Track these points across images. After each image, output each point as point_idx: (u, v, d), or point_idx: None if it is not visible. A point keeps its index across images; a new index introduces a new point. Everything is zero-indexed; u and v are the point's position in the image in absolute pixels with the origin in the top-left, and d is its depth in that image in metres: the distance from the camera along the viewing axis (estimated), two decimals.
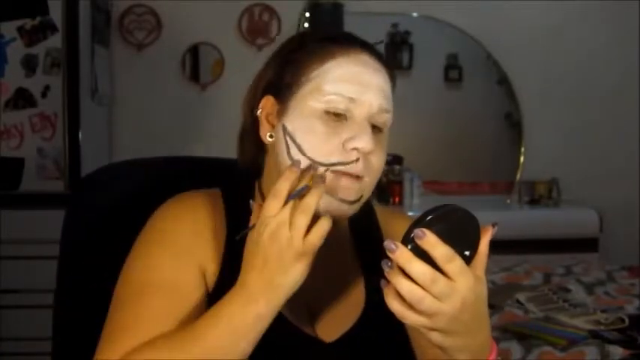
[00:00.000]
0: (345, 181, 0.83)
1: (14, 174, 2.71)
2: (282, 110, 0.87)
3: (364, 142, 0.82)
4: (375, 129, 0.85)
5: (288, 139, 0.85)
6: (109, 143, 3.20)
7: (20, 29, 2.71)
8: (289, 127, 0.85)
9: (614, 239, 3.22)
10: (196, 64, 3.33)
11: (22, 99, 2.72)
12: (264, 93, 0.90)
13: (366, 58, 0.87)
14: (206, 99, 3.30)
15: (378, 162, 0.86)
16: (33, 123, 2.71)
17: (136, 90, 3.27)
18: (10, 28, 2.70)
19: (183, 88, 3.30)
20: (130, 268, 0.87)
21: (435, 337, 0.72)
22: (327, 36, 0.90)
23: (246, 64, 3.19)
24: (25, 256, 2.61)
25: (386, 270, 0.71)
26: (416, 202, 3.26)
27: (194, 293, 0.84)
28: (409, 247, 0.70)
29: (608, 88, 3.45)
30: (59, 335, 1.07)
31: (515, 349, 1.69)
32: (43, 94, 2.72)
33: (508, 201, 3.45)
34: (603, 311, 1.90)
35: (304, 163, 0.82)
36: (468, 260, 0.72)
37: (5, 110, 2.71)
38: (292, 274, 0.76)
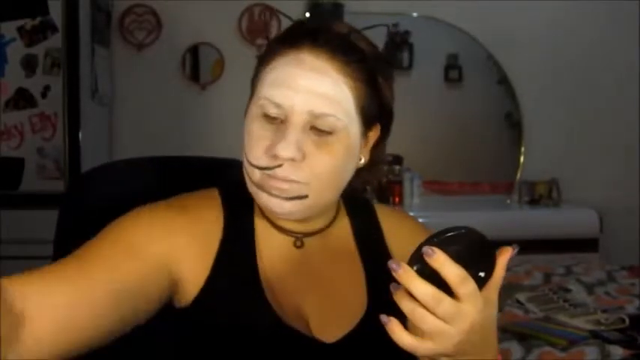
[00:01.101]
0: (273, 183, 0.83)
1: (14, 174, 2.70)
2: (247, 108, 0.89)
3: (282, 150, 0.80)
4: (322, 132, 0.82)
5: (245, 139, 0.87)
6: (109, 143, 3.20)
7: (20, 29, 2.70)
8: (245, 128, 0.87)
9: (614, 239, 3.22)
10: (196, 64, 3.33)
11: (22, 99, 2.71)
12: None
13: (306, 58, 0.82)
14: (206, 99, 3.30)
15: (321, 166, 0.82)
16: (33, 123, 2.71)
17: (136, 90, 3.26)
18: (10, 28, 2.70)
19: (183, 88, 3.29)
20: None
21: None
22: (288, 30, 0.87)
23: (246, 64, 3.15)
24: (25, 256, 2.60)
25: (393, 292, 0.68)
26: (416, 202, 3.26)
27: (144, 261, 0.81)
28: (415, 267, 0.67)
29: (608, 88, 3.45)
30: None
31: (515, 349, 1.69)
32: (43, 94, 2.71)
33: (508, 201, 3.45)
34: (604, 311, 1.90)
35: (245, 164, 0.85)
36: (483, 282, 0.70)
37: (5, 110, 2.70)
38: None
